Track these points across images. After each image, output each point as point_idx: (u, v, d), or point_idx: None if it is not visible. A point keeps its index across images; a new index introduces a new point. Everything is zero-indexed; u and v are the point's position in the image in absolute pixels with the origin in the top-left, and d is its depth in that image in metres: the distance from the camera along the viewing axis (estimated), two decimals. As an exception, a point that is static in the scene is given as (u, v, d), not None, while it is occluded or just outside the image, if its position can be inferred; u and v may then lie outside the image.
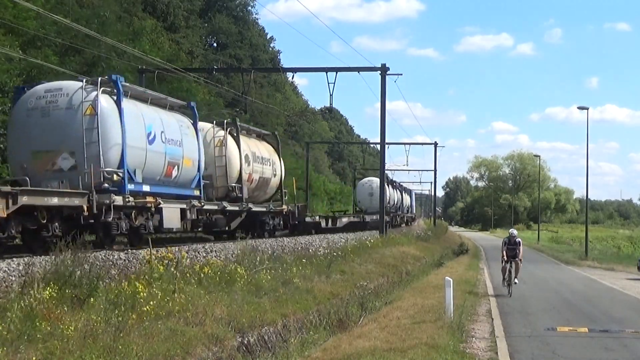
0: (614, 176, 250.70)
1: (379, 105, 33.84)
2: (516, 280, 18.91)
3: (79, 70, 28.45)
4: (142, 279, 11.22)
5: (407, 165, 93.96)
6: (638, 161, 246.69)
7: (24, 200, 13.01)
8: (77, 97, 15.90)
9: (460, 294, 15.67)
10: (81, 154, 15.63)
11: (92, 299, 9.83)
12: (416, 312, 13.66)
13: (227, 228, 24.22)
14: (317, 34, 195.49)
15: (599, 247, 57.29)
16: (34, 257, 12.33)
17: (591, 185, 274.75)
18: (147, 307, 9.99)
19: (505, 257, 18.76)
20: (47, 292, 9.29)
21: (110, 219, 15.50)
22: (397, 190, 68.67)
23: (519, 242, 19.13)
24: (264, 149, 27.34)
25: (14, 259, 12.25)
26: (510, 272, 18.61)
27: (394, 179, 73.49)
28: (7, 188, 12.95)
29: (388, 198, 52.82)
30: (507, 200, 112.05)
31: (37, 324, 8.35)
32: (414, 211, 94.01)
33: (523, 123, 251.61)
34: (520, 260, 19.05)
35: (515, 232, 19.45)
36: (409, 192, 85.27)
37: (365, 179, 59.61)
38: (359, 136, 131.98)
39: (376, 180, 53.73)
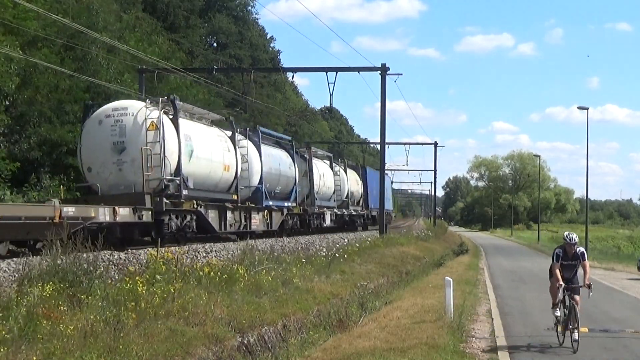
0: (614, 176, 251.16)
1: (379, 105, 33.39)
2: (576, 336, 10.61)
3: (75, 69, 28.49)
4: (141, 278, 11.21)
5: (407, 165, 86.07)
6: (638, 161, 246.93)
7: None
8: None
9: (460, 293, 15.67)
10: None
11: (91, 298, 9.83)
12: (416, 312, 13.65)
13: None
14: (317, 34, 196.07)
15: (599, 247, 57.36)
16: (33, 256, 12.31)
17: (591, 185, 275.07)
18: (147, 306, 9.99)
19: (560, 282, 10.83)
20: (46, 291, 9.30)
21: None
22: (291, 158, 32.12)
23: (583, 253, 11.23)
24: None
25: (14, 259, 12.25)
26: (572, 310, 10.80)
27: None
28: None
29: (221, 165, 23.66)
30: (507, 200, 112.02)
31: (38, 323, 8.36)
32: (387, 206, 50.19)
33: (523, 123, 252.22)
34: (590, 286, 10.94)
35: (575, 237, 11.13)
36: (363, 172, 48.07)
37: (107, 107, 21.49)
38: (359, 136, 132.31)
39: (135, 107, 20.70)
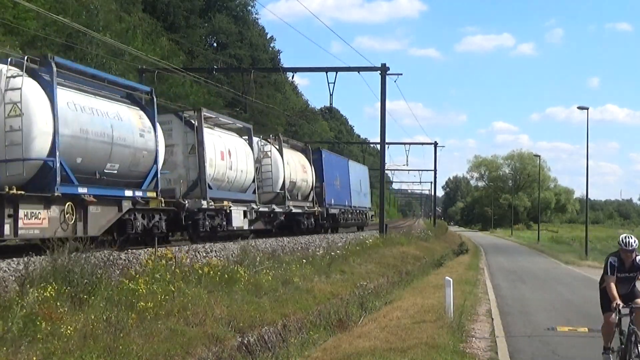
0: (614, 176, 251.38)
1: (379, 105, 33.36)
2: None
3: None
4: (141, 278, 11.22)
5: (407, 165, 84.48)
6: (638, 161, 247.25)
7: None
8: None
9: (460, 293, 15.65)
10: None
11: (91, 298, 9.83)
12: (416, 312, 13.64)
13: None
14: (317, 34, 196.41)
15: (599, 247, 57.21)
16: (34, 256, 12.30)
17: (591, 185, 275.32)
18: (147, 305, 9.99)
19: (618, 301, 8.37)
20: (46, 291, 9.30)
21: None
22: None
23: None
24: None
25: (14, 258, 12.24)
26: (632, 334, 8.35)
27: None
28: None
29: None
30: (507, 200, 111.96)
31: (37, 323, 8.36)
32: (360, 202, 44.34)
33: (523, 123, 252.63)
34: None
35: (635, 242, 8.48)
36: (317, 156, 36.32)
37: None
38: (359, 136, 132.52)
39: None
